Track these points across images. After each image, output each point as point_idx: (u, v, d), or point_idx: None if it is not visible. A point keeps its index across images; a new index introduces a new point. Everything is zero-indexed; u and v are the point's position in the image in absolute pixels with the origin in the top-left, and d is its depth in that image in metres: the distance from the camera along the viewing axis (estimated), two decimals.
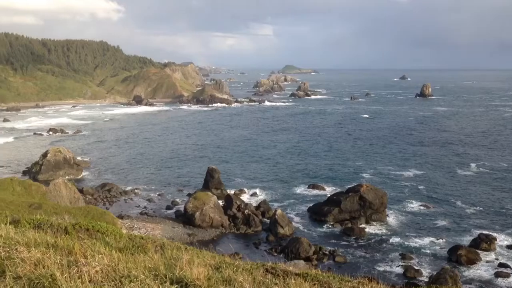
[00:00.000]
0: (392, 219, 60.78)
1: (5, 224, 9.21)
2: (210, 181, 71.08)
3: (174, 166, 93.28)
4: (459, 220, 60.68)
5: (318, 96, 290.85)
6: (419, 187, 75.67)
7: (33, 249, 6.78)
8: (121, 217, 58.21)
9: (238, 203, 62.10)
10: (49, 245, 7.41)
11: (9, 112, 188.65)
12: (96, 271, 6.04)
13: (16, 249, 6.71)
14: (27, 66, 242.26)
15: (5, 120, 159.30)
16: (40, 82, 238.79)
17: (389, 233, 56.11)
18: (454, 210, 64.81)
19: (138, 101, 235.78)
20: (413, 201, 68.15)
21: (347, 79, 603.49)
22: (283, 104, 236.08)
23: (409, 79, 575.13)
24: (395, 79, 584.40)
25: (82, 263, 6.22)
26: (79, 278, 5.76)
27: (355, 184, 67.37)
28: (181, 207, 62.80)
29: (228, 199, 63.36)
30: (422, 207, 65.40)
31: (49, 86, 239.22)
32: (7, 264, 5.96)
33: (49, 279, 5.25)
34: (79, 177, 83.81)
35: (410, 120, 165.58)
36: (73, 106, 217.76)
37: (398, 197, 70.07)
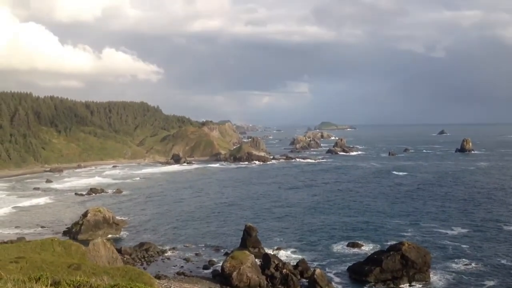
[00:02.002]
0: (436, 279, 58.47)
1: (46, 286, 9.38)
2: (248, 239, 70.48)
3: (211, 224, 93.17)
4: (507, 279, 57.88)
5: (356, 152, 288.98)
6: (463, 245, 72.96)
7: None
8: (158, 277, 57.94)
9: (276, 262, 61.07)
10: None
11: (51, 173, 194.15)
12: None
13: None
14: (70, 128, 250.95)
15: (47, 181, 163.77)
16: (82, 143, 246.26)
17: None
18: (501, 269, 61.96)
19: (176, 159, 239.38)
20: (457, 260, 65.62)
21: (384, 134, 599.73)
22: (320, 160, 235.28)
23: (448, 134, 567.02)
24: (434, 134, 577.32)
25: None
26: None
27: (396, 242, 65.57)
28: (218, 267, 62.19)
29: (266, 258, 62.45)
30: (467, 267, 62.83)
31: (91, 147, 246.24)
32: None
33: None
34: (118, 236, 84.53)
35: (451, 175, 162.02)
36: (114, 166, 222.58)
37: (442, 256, 67.64)
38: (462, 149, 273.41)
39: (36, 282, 10.20)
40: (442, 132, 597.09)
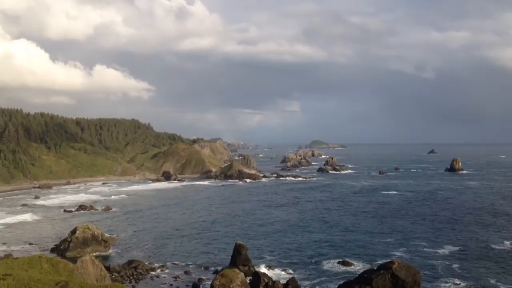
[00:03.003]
0: None
1: None
2: (237, 257, 70.13)
3: (201, 241, 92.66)
4: None
5: (346, 171, 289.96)
6: (453, 265, 72.99)
7: None
8: None
9: (266, 281, 60.69)
10: None
11: (40, 189, 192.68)
12: None
13: None
14: (60, 144, 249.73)
15: (36, 197, 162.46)
16: (72, 159, 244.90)
17: None
18: None
19: (167, 177, 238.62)
20: (447, 279, 65.61)
21: (375, 153, 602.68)
22: (310, 179, 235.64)
23: (438, 153, 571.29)
24: (424, 154, 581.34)
25: None
26: None
27: (386, 261, 65.50)
28: (208, 285, 61.67)
29: (256, 276, 62.06)
30: (457, 286, 62.84)
31: (81, 164, 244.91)
32: None
33: None
34: (107, 253, 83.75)
35: (441, 195, 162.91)
36: (103, 183, 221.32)
37: (432, 275, 67.64)
38: (451, 169, 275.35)
39: None
40: (432, 152, 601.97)
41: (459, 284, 63.30)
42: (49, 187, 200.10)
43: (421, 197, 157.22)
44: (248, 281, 61.08)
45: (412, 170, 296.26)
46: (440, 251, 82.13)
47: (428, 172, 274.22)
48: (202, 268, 73.59)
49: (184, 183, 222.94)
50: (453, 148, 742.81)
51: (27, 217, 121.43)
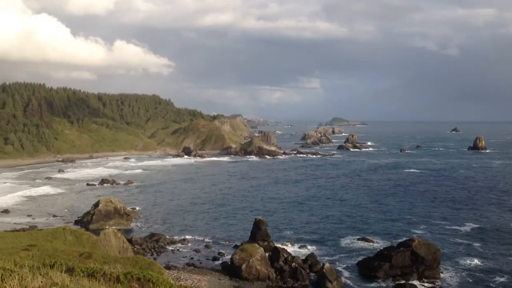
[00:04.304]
0: (446, 276, 58.19)
1: (61, 272, 9.46)
2: (257, 232, 70.62)
3: (221, 216, 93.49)
4: None
5: (367, 149, 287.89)
6: (475, 243, 72.48)
7: None
8: (168, 267, 58.31)
9: (285, 256, 61.11)
10: None
11: (64, 163, 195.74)
12: None
13: None
14: (83, 119, 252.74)
15: (59, 171, 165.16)
16: (94, 134, 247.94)
17: None
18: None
19: (187, 152, 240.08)
20: (468, 257, 65.24)
21: (396, 131, 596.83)
22: (330, 156, 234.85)
23: (460, 131, 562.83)
24: (446, 132, 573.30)
25: None
26: None
27: (406, 238, 65.34)
28: (228, 259, 62.40)
29: (275, 252, 62.52)
30: (478, 264, 62.46)
31: (103, 138, 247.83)
32: None
33: None
34: (129, 227, 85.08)
35: (463, 173, 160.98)
36: (125, 158, 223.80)
37: (452, 253, 67.31)
38: (475, 147, 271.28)
39: (50, 268, 10.28)
40: (454, 130, 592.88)
41: (480, 263, 62.87)
42: (72, 161, 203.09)
43: (442, 175, 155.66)
44: (267, 256, 61.57)
45: (434, 148, 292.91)
46: (462, 229, 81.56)
47: (450, 151, 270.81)
48: (222, 243, 74.34)
49: (204, 159, 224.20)
50: (476, 126, 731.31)
51: (51, 190, 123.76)
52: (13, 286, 6.60)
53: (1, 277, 7.29)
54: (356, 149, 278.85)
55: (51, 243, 53.36)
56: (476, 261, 63.41)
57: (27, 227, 78.89)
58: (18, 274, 7.71)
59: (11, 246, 49.35)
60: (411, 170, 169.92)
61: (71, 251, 50.01)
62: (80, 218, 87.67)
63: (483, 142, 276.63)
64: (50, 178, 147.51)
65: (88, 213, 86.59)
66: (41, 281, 7.25)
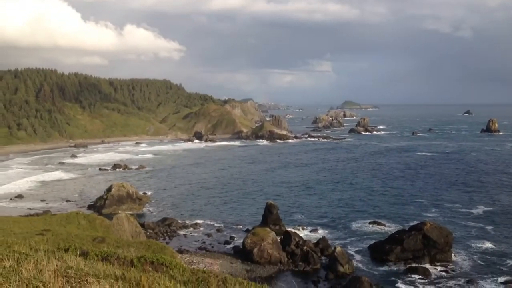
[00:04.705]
0: (458, 259, 58.13)
1: (76, 256, 9.57)
2: (269, 216, 70.89)
3: (233, 201, 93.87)
4: None
5: (379, 132, 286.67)
6: (487, 227, 72.23)
7: (103, 280, 7.00)
8: (180, 251, 58.84)
9: (297, 240, 61.36)
10: (117, 277, 7.64)
11: (76, 148, 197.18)
12: None
13: (87, 280, 6.95)
14: (94, 104, 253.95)
15: (72, 156, 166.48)
16: (106, 119, 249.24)
17: (454, 273, 53.59)
18: None
19: (198, 137, 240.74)
20: (480, 240, 65.04)
21: (408, 114, 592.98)
22: (342, 139, 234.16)
23: (473, 114, 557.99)
24: (459, 115, 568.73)
25: None
26: None
27: (418, 222, 65.22)
28: (239, 243, 62.78)
29: (287, 235, 62.77)
30: (490, 247, 62.27)
31: (114, 123, 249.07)
32: None
33: None
34: (141, 211, 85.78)
35: (476, 156, 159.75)
36: (137, 143, 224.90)
37: (465, 236, 67.14)
38: (488, 130, 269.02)
39: (65, 252, 10.40)
40: (467, 112, 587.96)
41: (492, 246, 62.67)
42: (84, 146, 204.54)
43: (454, 158, 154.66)
44: (279, 240, 61.86)
45: (447, 131, 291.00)
46: (474, 212, 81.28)
47: (462, 133, 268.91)
48: (234, 227, 74.75)
49: (215, 143, 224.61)
50: (489, 109, 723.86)
51: (63, 175, 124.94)
52: (29, 269, 6.69)
53: (17, 261, 7.39)
54: (367, 133, 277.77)
55: (64, 228, 53.99)
56: (488, 244, 63.23)
57: (41, 212, 79.86)
58: (34, 257, 7.81)
59: (25, 230, 50.00)
60: (423, 153, 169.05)
61: (84, 235, 50.58)
62: (93, 203, 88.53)
63: (496, 125, 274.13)
64: (62, 163, 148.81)
65: (100, 198, 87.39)
66: (56, 265, 7.34)
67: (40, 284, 6.02)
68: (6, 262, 7.22)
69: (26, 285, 5.83)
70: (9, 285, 5.71)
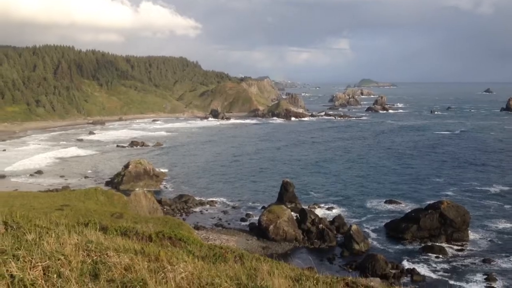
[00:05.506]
0: (475, 238, 57.90)
1: (96, 230, 9.73)
2: (285, 194, 71.13)
3: (249, 179, 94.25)
4: None
5: (396, 110, 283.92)
6: (505, 205, 71.68)
7: (122, 254, 7.11)
8: (196, 228, 59.46)
9: (313, 217, 61.57)
10: (136, 251, 7.75)
11: (94, 125, 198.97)
12: (182, 278, 6.26)
13: (107, 254, 7.06)
14: (111, 81, 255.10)
15: (90, 133, 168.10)
16: (123, 96, 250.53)
17: (471, 253, 53.45)
18: None
19: (215, 115, 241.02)
20: (498, 219, 64.61)
21: (427, 92, 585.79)
22: (359, 118, 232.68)
23: (493, 92, 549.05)
24: (478, 93, 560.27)
25: (168, 269, 6.46)
26: (165, 284, 5.99)
27: (435, 200, 64.91)
28: (255, 220, 63.20)
29: (302, 213, 63.03)
30: (507, 225, 61.89)
31: (131, 101, 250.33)
32: (99, 268, 6.30)
33: (140, 283, 5.52)
34: (157, 188, 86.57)
35: (495, 135, 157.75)
36: (153, 120, 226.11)
37: (482, 215, 66.71)
38: (507, 109, 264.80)
39: (85, 227, 10.56)
40: (487, 91, 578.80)
41: (509, 225, 62.22)
42: (102, 123, 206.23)
43: (472, 137, 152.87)
44: (295, 217, 62.15)
45: (465, 109, 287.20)
46: (492, 190, 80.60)
47: (482, 112, 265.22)
48: (249, 204, 75.18)
49: (231, 121, 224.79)
50: (510, 87, 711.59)
51: (81, 151, 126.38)
52: (51, 243, 6.82)
53: (39, 235, 7.53)
54: (385, 111, 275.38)
55: (83, 203, 54.85)
56: (505, 223, 62.83)
57: (60, 187, 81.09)
58: (55, 231, 7.95)
59: (45, 206, 50.92)
60: (441, 132, 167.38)
61: (103, 211, 51.36)
62: (110, 179, 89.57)
63: None
64: (81, 140, 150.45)
65: (118, 174, 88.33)
66: (77, 239, 7.47)
67: (62, 257, 6.14)
68: (28, 235, 7.36)
69: (49, 258, 5.94)
70: (32, 258, 5.83)
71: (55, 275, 5.47)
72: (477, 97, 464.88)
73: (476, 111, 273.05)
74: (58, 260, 6.04)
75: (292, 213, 62.95)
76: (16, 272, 5.23)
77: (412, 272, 47.54)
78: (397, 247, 55.97)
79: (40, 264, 5.67)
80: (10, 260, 5.57)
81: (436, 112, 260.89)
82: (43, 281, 5.21)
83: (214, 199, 77.29)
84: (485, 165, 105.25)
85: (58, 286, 5.12)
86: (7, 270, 5.25)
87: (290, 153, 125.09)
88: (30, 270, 5.48)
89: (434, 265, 50.19)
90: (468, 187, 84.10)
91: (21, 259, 5.77)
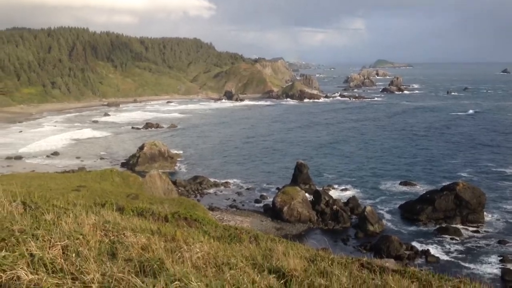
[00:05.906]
0: (490, 220, 57.60)
1: (112, 210, 9.84)
2: (299, 176, 71.17)
3: (263, 160, 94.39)
4: None
5: (412, 91, 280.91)
6: None
7: (139, 234, 7.20)
8: (211, 209, 59.88)
9: (327, 199, 61.63)
10: (152, 231, 7.85)
11: (109, 107, 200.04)
12: (198, 257, 6.33)
13: (124, 234, 7.16)
14: (126, 63, 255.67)
15: (105, 115, 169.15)
16: (138, 78, 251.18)
17: (486, 234, 53.22)
18: None
19: (229, 96, 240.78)
20: None
21: (443, 73, 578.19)
22: (374, 99, 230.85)
23: (511, 73, 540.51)
24: (496, 73, 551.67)
25: (185, 249, 6.54)
26: (182, 263, 6.07)
27: (450, 182, 64.51)
28: (270, 201, 63.44)
29: (317, 194, 63.10)
30: None
31: (146, 82, 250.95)
32: (117, 247, 6.39)
33: (158, 262, 5.60)
34: (172, 169, 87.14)
35: (511, 116, 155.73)
36: (168, 102, 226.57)
37: (498, 197, 66.26)
38: None
39: (102, 207, 10.69)
40: (505, 71, 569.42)
41: None
42: (117, 105, 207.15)
43: (489, 118, 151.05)
44: (309, 198, 62.27)
45: (482, 90, 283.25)
46: (508, 172, 79.84)
47: (499, 93, 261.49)
48: (264, 185, 75.40)
49: (245, 102, 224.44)
50: None
51: (97, 133, 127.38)
52: (69, 223, 6.92)
53: (57, 215, 7.63)
54: (400, 92, 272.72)
55: (99, 184, 55.43)
56: None
57: (76, 168, 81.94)
58: (73, 212, 8.06)
59: (62, 186, 51.55)
60: (457, 113, 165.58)
61: (118, 192, 51.88)
62: (125, 161, 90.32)
63: None
64: (96, 122, 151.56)
65: (133, 155, 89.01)
66: (94, 219, 7.58)
67: (80, 237, 6.23)
68: (47, 215, 7.48)
69: (67, 237, 6.04)
70: (51, 238, 5.93)
71: (73, 254, 5.56)
72: (494, 77, 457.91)
73: (493, 92, 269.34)
74: (77, 239, 6.14)
75: (306, 194, 63.10)
76: (36, 251, 5.32)
77: (426, 253, 47.55)
78: (412, 228, 55.90)
79: (59, 243, 5.76)
80: (30, 239, 5.67)
81: (452, 93, 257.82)
82: (62, 260, 5.30)
83: (228, 181, 77.63)
84: (501, 146, 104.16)
85: (76, 265, 5.21)
86: (27, 249, 5.34)
87: (304, 135, 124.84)
88: (49, 249, 5.58)
89: (448, 246, 50.10)
90: (483, 168, 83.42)
91: (40, 239, 5.87)
